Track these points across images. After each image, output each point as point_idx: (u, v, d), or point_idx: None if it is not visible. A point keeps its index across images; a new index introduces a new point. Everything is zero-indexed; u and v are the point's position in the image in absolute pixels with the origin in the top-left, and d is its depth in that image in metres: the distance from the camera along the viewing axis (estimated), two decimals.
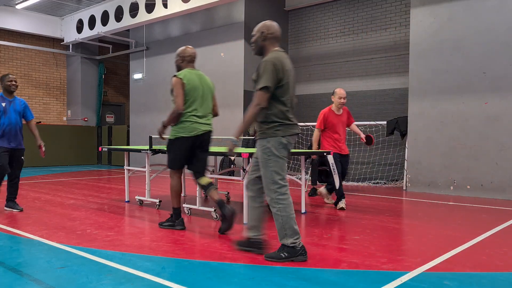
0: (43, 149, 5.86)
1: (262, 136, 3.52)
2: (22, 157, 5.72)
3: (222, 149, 6.06)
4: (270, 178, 3.49)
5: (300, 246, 3.50)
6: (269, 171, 3.49)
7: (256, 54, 3.73)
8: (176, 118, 4.53)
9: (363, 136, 6.62)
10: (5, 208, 5.80)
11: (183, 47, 4.79)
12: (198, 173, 4.72)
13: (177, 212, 4.72)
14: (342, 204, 6.18)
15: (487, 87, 7.56)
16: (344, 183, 9.93)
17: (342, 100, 6.28)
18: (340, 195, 6.24)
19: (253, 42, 3.70)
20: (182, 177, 5.43)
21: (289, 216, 3.46)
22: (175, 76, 4.59)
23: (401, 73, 9.84)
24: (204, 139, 4.65)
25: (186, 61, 4.77)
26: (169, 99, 12.78)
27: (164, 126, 4.66)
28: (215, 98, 4.89)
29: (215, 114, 4.90)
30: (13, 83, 5.61)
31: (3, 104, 5.54)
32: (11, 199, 5.79)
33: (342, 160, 6.33)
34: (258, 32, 3.63)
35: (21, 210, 5.71)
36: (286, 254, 3.47)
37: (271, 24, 3.63)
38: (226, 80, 11.39)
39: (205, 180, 4.70)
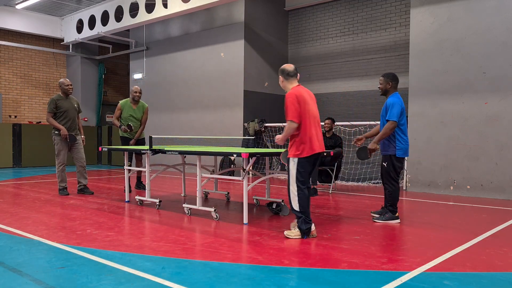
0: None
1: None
2: None
3: (222, 149, 6.07)
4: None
5: (63, 189, 7.27)
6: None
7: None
8: None
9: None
10: None
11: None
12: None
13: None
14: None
15: (487, 87, 7.56)
16: (344, 182, 9.96)
17: None
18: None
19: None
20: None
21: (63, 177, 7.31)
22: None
23: (401, 73, 9.83)
24: None
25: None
26: (169, 99, 12.78)
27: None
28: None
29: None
30: None
31: None
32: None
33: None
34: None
35: None
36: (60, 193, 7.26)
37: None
38: (226, 80, 11.38)
39: None
